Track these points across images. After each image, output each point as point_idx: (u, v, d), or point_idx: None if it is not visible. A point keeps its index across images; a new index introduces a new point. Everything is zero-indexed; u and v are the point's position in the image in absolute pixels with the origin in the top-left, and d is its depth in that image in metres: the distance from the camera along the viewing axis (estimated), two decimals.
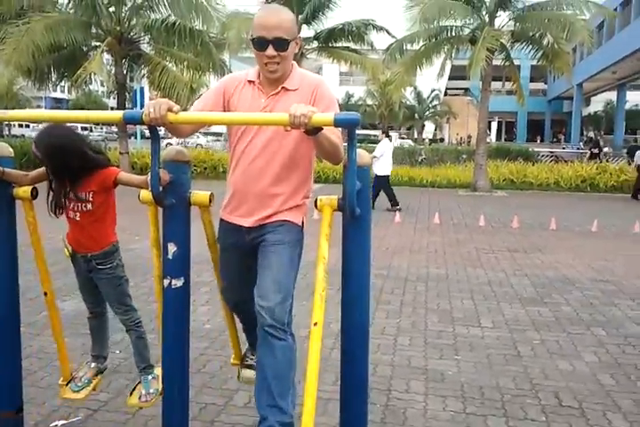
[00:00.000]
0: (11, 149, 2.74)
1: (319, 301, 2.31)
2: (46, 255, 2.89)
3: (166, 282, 2.57)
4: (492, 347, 4.45)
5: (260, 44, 2.44)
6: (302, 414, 2.20)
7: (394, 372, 3.94)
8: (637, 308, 5.57)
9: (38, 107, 58.54)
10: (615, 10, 31.25)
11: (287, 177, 2.57)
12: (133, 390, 3.03)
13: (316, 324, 2.26)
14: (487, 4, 16.89)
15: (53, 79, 18.25)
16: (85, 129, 39.89)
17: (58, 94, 60.19)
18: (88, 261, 2.89)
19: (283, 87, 2.55)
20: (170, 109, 2.19)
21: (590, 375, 3.96)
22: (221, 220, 2.75)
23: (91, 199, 2.76)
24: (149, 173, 2.41)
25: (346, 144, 2.31)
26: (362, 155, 2.39)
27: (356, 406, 2.54)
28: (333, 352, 3.97)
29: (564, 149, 33.99)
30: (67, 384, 3.05)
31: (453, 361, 4.16)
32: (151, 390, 2.97)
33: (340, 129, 2.34)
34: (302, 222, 2.66)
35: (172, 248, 2.55)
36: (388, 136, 12.23)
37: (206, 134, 38.54)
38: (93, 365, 3.16)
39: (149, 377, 3.03)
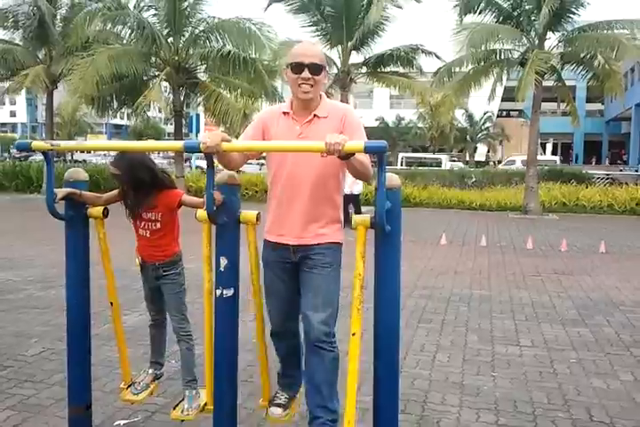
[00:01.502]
0: (86, 174, 3.11)
1: (356, 314, 2.61)
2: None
3: (218, 292, 2.88)
4: (529, 364, 4.59)
5: (297, 67, 2.82)
6: (345, 413, 2.57)
7: (431, 386, 4.13)
8: None
9: (99, 133, 60.98)
10: None
11: (325, 195, 2.89)
12: (177, 405, 3.24)
13: (354, 334, 2.59)
14: (536, 26, 16.97)
15: (114, 106, 19.19)
16: None
17: (117, 121, 62.54)
18: (156, 269, 3.27)
19: (315, 115, 2.88)
20: (223, 139, 2.52)
21: (625, 394, 4.06)
22: (266, 241, 3.03)
23: (159, 219, 3.17)
24: (205, 195, 2.73)
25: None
26: (392, 177, 2.65)
27: (389, 414, 2.76)
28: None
29: (621, 171, 33.29)
30: (127, 388, 3.35)
31: (490, 377, 4.32)
32: (194, 405, 3.18)
33: None
34: (342, 239, 2.98)
35: (223, 261, 2.86)
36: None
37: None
38: (151, 371, 3.47)
39: (193, 392, 3.26)
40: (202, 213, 2.88)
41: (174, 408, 3.20)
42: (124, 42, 17.67)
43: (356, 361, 2.60)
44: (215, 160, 2.67)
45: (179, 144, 2.59)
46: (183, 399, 3.25)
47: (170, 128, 47.63)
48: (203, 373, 3.12)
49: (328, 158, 2.74)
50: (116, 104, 19.06)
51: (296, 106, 2.91)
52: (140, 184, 3.09)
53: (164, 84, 18.16)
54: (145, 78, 18.01)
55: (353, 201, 12.18)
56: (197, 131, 23.16)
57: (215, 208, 2.76)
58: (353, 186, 12.04)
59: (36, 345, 4.83)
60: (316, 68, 2.81)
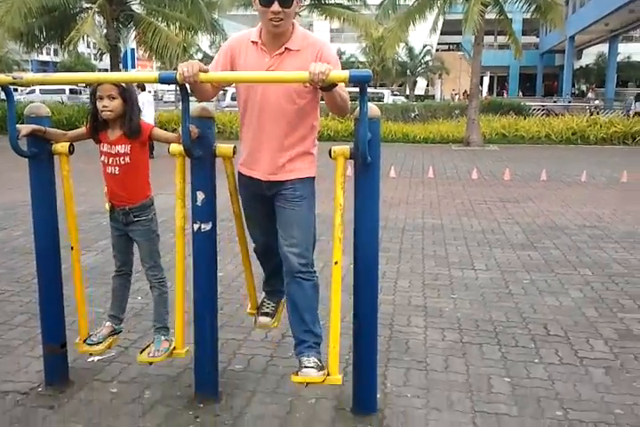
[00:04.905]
0: (47, 109, 2.99)
1: (338, 243, 2.70)
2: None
3: (196, 226, 2.88)
4: (486, 287, 4.83)
5: (266, 0, 2.64)
6: (330, 336, 2.69)
7: (395, 310, 4.31)
8: (621, 250, 5.96)
9: (24, 70, 57.75)
10: None
11: (297, 127, 2.80)
12: (144, 349, 3.11)
13: (336, 262, 2.69)
14: None
15: (42, 41, 18.16)
16: (74, 92, 39.38)
17: (44, 57, 59.37)
18: (127, 214, 3.06)
19: (286, 48, 2.74)
20: (201, 70, 2.45)
21: (576, 309, 4.35)
22: (240, 173, 2.97)
23: (129, 152, 2.97)
24: (180, 129, 2.68)
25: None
26: (372, 108, 2.65)
27: (368, 333, 2.89)
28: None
29: (555, 102, 34.12)
30: (83, 341, 3.17)
31: (450, 299, 4.54)
32: (161, 348, 3.07)
33: None
34: (314, 173, 2.94)
35: (200, 196, 2.85)
36: (143, 90, 13.28)
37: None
38: (108, 324, 3.26)
39: (162, 338, 3.12)
40: (175, 147, 2.83)
41: (141, 352, 3.09)
42: None
43: (339, 288, 2.70)
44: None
45: (154, 75, 2.52)
46: (150, 344, 3.14)
47: (101, 64, 45.53)
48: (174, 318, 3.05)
49: (301, 87, 2.70)
50: (43, 39, 18.01)
51: (265, 36, 2.76)
52: (133, 107, 2.93)
53: (97, 17, 17.24)
54: (76, 11, 17.05)
55: None
56: (133, 66, 22.26)
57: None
58: None
59: None
60: (286, 0, 2.63)
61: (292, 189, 2.84)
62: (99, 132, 3.01)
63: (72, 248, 3.08)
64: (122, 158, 2.98)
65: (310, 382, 2.66)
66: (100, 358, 3.50)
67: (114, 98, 2.89)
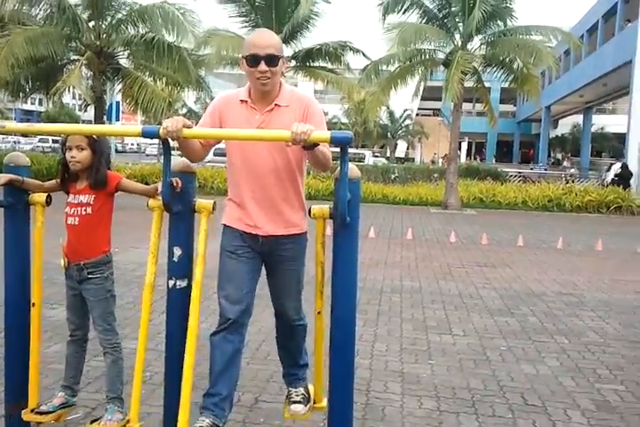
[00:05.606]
0: (27, 159, 2.96)
1: (320, 295, 2.90)
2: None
3: (171, 283, 2.81)
4: (463, 352, 4.75)
5: (253, 60, 2.73)
6: (314, 370, 3.05)
7: (372, 375, 4.20)
8: (597, 319, 5.94)
9: (7, 118, 58.03)
10: (582, 36, 32.41)
11: (290, 185, 2.86)
12: (95, 420, 2.90)
13: (319, 312, 2.92)
14: (460, 29, 17.48)
15: (28, 91, 18.30)
16: (56, 142, 40.26)
17: (28, 106, 59.89)
18: (80, 270, 2.93)
19: (276, 104, 2.82)
20: (185, 125, 2.46)
21: (553, 378, 4.28)
22: (231, 228, 2.90)
23: (92, 203, 2.88)
24: (160, 183, 2.66)
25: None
26: (352, 169, 2.67)
27: (343, 396, 2.80)
28: None
29: (531, 169, 34.93)
30: (31, 410, 2.98)
31: (427, 365, 4.45)
32: (114, 418, 2.88)
33: None
34: (307, 227, 2.98)
35: (177, 252, 2.79)
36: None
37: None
38: (61, 394, 3.07)
39: (115, 408, 2.94)
40: (153, 201, 2.80)
41: (91, 422, 2.87)
42: (43, 23, 16.82)
43: (322, 334, 2.92)
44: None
45: (137, 129, 2.51)
46: (104, 413, 2.94)
47: (85, 116, 45.95)
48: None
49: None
50: (29, 88, 18.14)
51: (254, 95, 2.84)
52: (101, 159, 2.88)
53: (84, 69, 17.47)
54: (63, 62, 17.28)
55: None
56: (117, 119, 22.44)
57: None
58: None
59: None
60: (273, 60, 2.72)
61: (291, 249, 2.92)
62: (69, 183, 2.96)
63: (33, 304, 2.94)
64: (83, 209, 2.89)
65: (298, 419, 3.07)
66: (67, 418, 3.32)
67: (82, 149, 2.86)
